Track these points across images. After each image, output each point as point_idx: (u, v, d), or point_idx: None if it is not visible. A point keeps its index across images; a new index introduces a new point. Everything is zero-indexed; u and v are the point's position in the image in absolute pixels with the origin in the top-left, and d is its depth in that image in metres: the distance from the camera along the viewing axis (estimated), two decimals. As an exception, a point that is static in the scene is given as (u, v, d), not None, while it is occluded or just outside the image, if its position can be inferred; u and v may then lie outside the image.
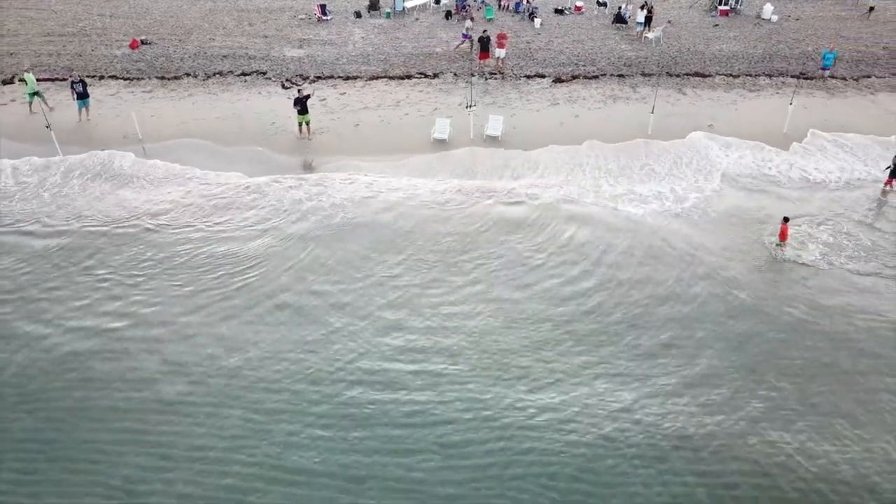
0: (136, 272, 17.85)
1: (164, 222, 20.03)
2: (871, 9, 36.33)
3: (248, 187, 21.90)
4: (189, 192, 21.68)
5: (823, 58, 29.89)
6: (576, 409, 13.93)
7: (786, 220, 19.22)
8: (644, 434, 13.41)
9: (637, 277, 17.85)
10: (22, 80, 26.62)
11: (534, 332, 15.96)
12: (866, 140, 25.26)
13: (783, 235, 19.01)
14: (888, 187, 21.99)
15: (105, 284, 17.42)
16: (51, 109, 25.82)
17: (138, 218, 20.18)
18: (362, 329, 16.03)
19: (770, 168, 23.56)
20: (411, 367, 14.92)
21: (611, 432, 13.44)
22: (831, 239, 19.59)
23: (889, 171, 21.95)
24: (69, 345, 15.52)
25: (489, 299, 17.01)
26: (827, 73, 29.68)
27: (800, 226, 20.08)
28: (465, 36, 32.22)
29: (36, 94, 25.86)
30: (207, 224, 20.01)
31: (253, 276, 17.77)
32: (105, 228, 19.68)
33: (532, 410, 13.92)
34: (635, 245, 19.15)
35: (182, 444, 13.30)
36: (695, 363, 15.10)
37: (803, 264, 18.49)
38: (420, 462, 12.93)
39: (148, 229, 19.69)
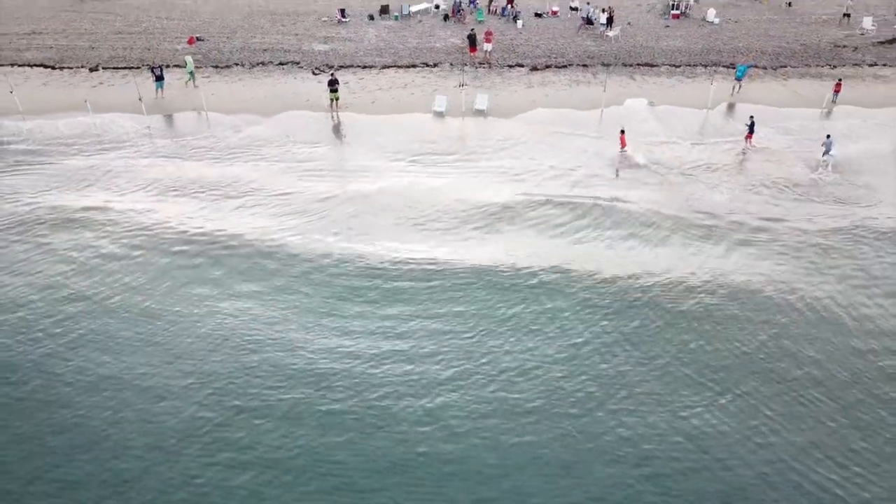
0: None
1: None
2: (847, 15, 43.26)
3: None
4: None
5: (738, 69, 34.21)
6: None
7: (622, 131, 28.70)
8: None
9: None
10: (182, 65, 34.59)
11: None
12: (768, 109, 32.64)
13: (623, 143, 28.49)
14: (748, 142, 29.45)
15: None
16: (195, 87, 33.62)
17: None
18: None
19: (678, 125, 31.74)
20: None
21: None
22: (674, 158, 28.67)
23: (748, 129, 29.35)
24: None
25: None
26: (740, 83, 33.89)
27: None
28: (584, 20, 41.68)
29: (192, 73, 33.64)
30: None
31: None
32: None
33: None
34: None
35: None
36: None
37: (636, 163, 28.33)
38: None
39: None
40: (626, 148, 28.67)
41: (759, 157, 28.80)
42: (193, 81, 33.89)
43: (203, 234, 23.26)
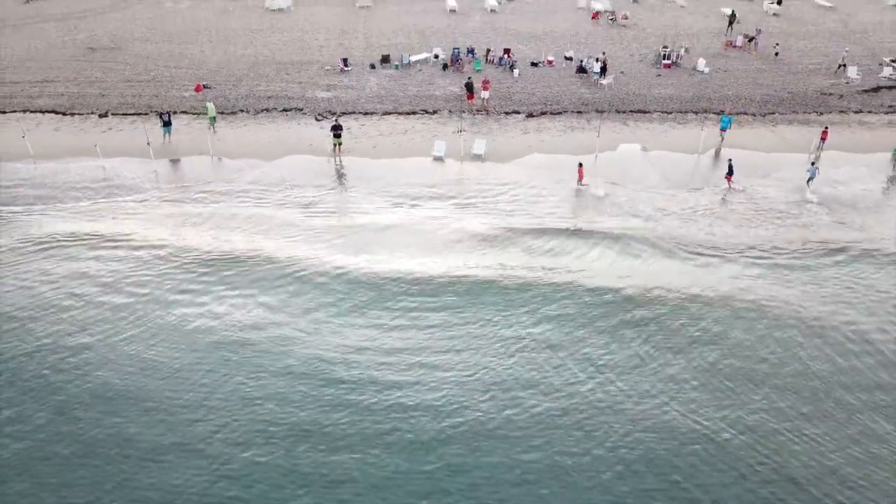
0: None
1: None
2: (843, 66, 44.71)
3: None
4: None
5: (721, 120, 35.00)
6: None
7: (580, 164, 30.67)
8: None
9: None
10: (204, 112, 35.89)
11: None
12: (757, 154, 33.76)
13: (581, 176, 30.41)
14: (729, 183, 30.81)
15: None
16: (214, 132, 34.90)
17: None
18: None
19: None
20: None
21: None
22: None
23: (727, 170, 30.84)
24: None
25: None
26: (724, 133, 34.64)
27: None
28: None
29: (213, 119, 35.01)
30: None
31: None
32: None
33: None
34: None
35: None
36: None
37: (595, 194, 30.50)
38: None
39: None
40: (583, 180, 30.39)
41: (745, 196, 30.04)
42: (213, 127, 35.13)
43: (208, 265, 24.02)
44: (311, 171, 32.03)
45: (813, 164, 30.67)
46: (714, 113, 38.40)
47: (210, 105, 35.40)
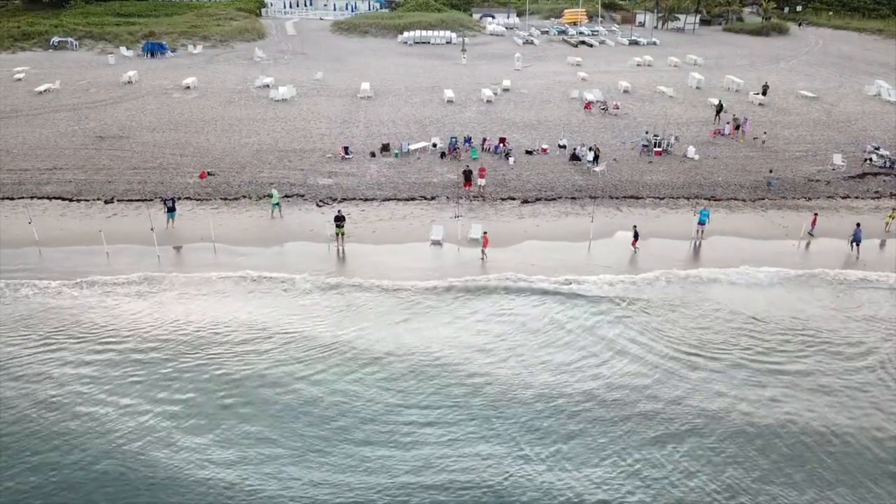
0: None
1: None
2: (868, 160, 45.88)
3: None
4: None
5: (700, 213, 34.66)
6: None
7: (485, 233, 32.72)
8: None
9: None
10: (270, 195, 37.15)
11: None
12: (746, 241, 34.51)
13: (486, 244, 32.45)
14: (635, 246, 33.34)
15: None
16: (281, 217, 36.28)
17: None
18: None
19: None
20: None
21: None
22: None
23: (633, 234, 33.20)
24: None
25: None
26: (702, 227, 34.26)
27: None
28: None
29: (277, 205, 36.29)
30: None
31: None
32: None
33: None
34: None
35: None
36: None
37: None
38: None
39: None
40: (487, 248, 32.44)
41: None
42: (280, 212, 36.43)
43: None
44: (311, 256, 32.53)
45: (771, 179, 37.18)
46: (706, 198, 39.42)
47: (275, 191, 36.85)
